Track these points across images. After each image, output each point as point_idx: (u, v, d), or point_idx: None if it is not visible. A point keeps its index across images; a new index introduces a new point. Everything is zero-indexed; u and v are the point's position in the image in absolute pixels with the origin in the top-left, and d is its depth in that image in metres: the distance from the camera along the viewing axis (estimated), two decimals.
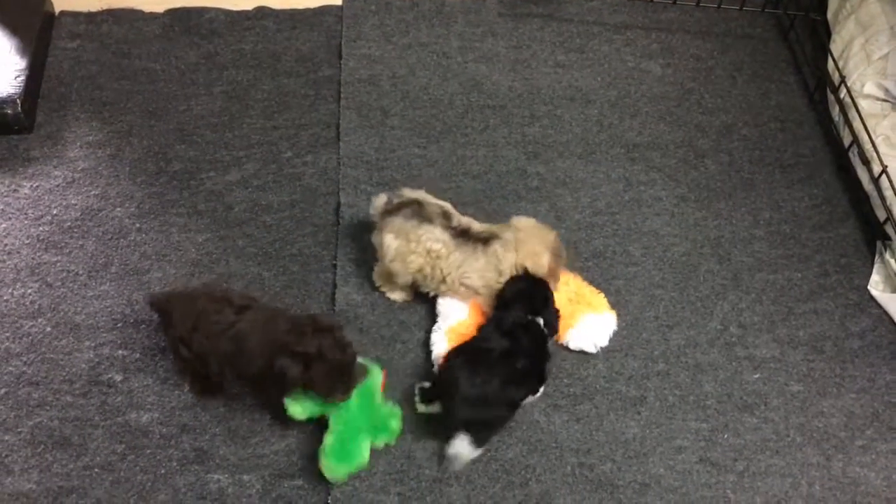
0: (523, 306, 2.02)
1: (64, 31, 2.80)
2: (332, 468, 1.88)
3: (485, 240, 2.09)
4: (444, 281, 2.11)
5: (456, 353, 1.97)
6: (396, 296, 2.23)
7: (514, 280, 2.06)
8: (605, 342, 2.18)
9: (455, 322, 2.13)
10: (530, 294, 2.04)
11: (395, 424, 1.96)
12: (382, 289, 2.24)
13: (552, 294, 2.07)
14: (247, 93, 2.68)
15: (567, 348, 2.17)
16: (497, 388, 1.90)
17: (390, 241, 2.10)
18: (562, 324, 2.15)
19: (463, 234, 2.09)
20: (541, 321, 2.02)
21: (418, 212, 2.09)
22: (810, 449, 2.07)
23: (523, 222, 2.13)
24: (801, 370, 2.20)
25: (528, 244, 2.08)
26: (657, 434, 2.07)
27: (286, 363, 1.81)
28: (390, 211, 2.12)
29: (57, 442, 1.99)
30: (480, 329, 2.05)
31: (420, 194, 2.14)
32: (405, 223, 2.09)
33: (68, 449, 1.98)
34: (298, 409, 1.90)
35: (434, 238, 2.07)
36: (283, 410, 1.90)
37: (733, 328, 2.26)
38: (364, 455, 1.91)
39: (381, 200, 2.16)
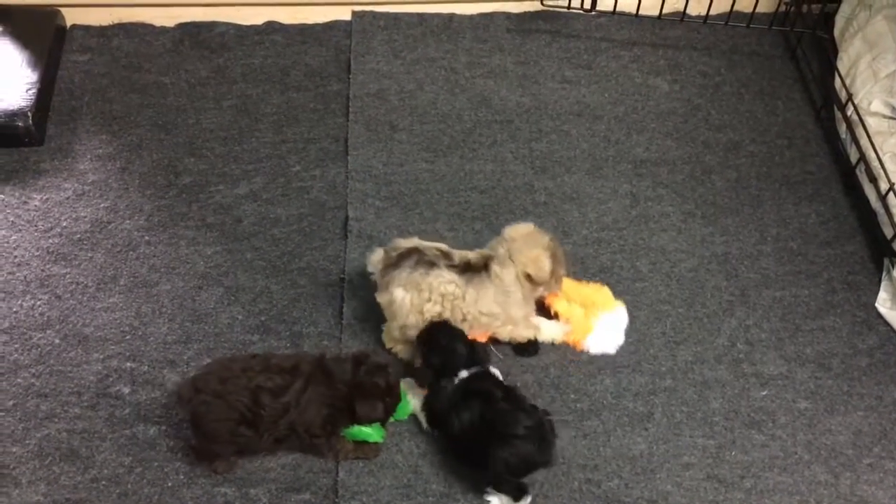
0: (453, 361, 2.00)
1: (75, 44, 2.82)
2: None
3: (484, 266, 2.06)
4: (465, 319, 2.06)
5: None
6: (408, 354, 2.15)
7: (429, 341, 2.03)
8: (622, 339, 2.21)
9: None
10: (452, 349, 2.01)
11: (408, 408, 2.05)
12: (394, 350, 2.16)
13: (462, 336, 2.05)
14: (256, 107, 2.70)
15: (588, 353, 2.20)
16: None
17: (401, 296, 2.02)
18: (580, 331, 2.18)
19: (467, 268, 2.05)
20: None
21: (421, 259, 2.03)
22: (818, 467, 2.06)
23: (516, 230, 2.11)
24: (808, 387, 2.19)
25: (524, 251, 2.06)
26: (664, 450, 2.06)
27: (366, 407, 1.90)
28: (391, 265, 2.04)
29: (64, 454, 1.99)
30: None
31: (415, 241, 2.08)
32: (412, 274, 2.02)
33: (76, 461, 1.98)
34: (375, 434, 1.98)
35: (446, 281, 2.03)
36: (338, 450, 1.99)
37: (741, 345, 2.25)
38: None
39: (377, 256, 2.08)
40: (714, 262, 2.42)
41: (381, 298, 2.07)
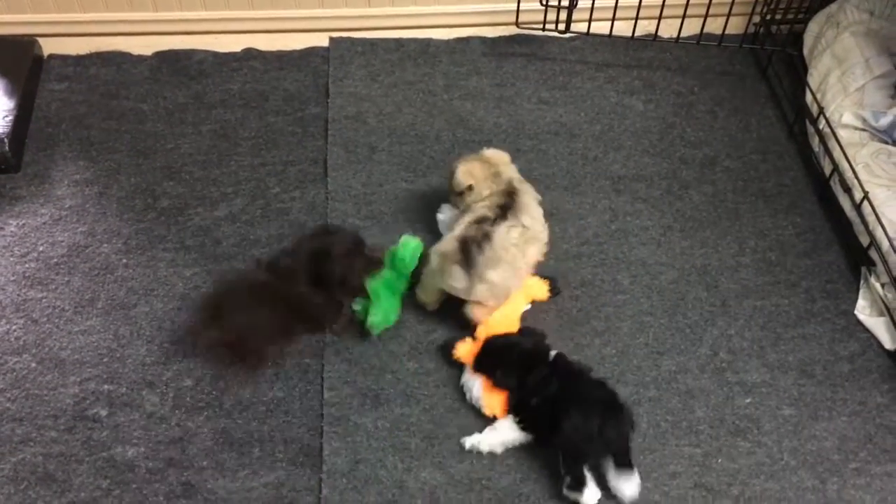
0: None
1: (53, 73, 2.82)
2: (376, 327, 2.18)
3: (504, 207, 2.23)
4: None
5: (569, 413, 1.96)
6: (433, 304, 2.26)
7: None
8: None
9: None
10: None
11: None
12: (425, 301, 2.26)
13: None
14: (235, 131, 2.70)
15: None
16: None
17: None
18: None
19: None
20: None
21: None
22: (805, 472, 2.05)
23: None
24: (792, 394, 2.19)
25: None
26: (651, 460, 2.05)
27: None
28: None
29: (41, 478, 1.95)
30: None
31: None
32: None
33: (52, 485, 1.94)
34: (378, 317, 2.14)
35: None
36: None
37: (723, 354, 2.26)
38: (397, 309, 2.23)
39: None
40: (694, 273, 2.43)
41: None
